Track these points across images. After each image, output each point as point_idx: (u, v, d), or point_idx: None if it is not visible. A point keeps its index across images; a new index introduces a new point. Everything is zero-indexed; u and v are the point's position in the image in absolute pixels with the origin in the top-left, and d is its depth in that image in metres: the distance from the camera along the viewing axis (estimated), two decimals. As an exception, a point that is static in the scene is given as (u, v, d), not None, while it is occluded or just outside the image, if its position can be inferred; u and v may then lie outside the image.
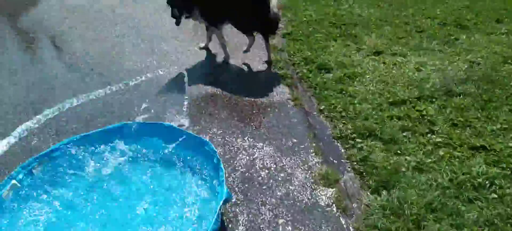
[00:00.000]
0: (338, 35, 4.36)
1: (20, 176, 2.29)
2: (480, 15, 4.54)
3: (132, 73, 3.79)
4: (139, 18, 5.08)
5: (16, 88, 3.61)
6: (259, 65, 3.94)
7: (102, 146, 2.59)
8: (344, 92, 3.42)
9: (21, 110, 3.23)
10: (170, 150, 2.57)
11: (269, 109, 3.27)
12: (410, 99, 3.25)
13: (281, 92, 3.49)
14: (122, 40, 4.51)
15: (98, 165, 2.53)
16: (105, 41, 4.53)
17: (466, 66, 3.65)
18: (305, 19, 4.77)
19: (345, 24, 4.56)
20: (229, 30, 4.09)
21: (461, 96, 3.24)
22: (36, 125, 3.05)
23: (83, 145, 2.56)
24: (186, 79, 3.70)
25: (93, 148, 2.58)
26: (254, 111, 3.23)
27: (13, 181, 2.26)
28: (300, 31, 4.48)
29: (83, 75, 3.82)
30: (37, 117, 3.13)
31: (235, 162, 2.62)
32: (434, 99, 3.22)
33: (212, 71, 3.86)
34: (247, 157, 2.67)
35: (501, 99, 3.18)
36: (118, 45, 4.39)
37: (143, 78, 3.70)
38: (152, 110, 3.20)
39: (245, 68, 3.92)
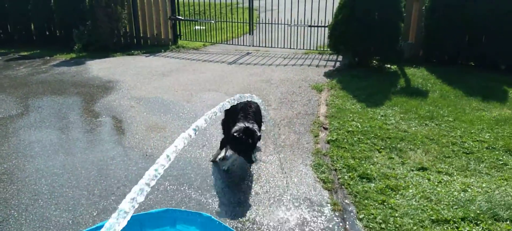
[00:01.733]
0: (382, 147, 4.43)
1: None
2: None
3: (180, 163, 4.07)
4: (196, 112, 5.56)
5: (74, 166, 4.01)
6: (301, 167, 4.06)
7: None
8: (385, 203, 3.39)
9: (75, 184, 3.54)
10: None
11: (306, 211, 3.30)
12: (454, 219, 3.14)
13: (320, 196, 3.54)
14: (179, 131, 4.92)
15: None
16: (163, 130, 4.97)
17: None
18: (351, 129, 4.92)
19: (390, 138, 4.64)
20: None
21: (508, 222, 3.08)
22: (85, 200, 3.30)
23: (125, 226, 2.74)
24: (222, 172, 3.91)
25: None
26: (290, 214, 3.29)
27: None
28: (345, 140, 4.62)
29: (136, 159, 4.17)
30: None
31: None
32: (479, 222, 3.09)
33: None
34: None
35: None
36: (175, 135, 4.79)
37: (189, 169, 3.95)
38: (193, 198, 3.36)
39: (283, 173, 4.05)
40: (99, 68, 8.34)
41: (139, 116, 5.46)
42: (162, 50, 10.20)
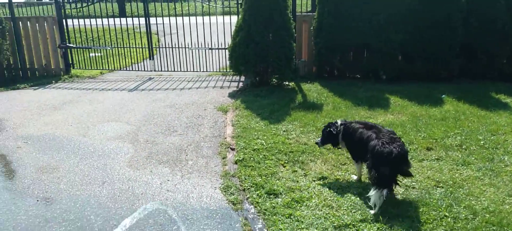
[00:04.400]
0: (286, 161, 4.63)
1: None
2: (413, 144, 5.05)
3: (78, 204, 3.75)
4: (94, 146, 5.19)
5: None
6: (210, 191, 4.04)
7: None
8: (292, 216, 3.54)
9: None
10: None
11: (218, 236, 3.29)
12: (354, 222, 3.40)
13: (230, 218, 3.55)
14: (76, 169, 4.54)
15: None
16: (56, 170, 4.53)
17: (402, 190, 3.94)
18: (256, 147, 5.06)
19: (293, 151, 4.89)
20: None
21: (400, 219, 3.44)
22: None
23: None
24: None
25: None
26: (203, 239, 3.24)
27: None
28: (251, 158, 4.73)
29: (26, 207, 3.74)
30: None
31: None
32: (375, 222, 3.40)
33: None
34: None
35: (436, 221, 3.40)
36: (70, 174, 4.40)
37: (88, 209, 3.66)
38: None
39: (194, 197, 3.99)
40: (-24, 107, 7.34)
41: (27, 157, 4.91)
42: (53, 82, 9.38)
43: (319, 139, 4.42)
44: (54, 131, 5.84)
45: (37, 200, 3.86)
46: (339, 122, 4.25)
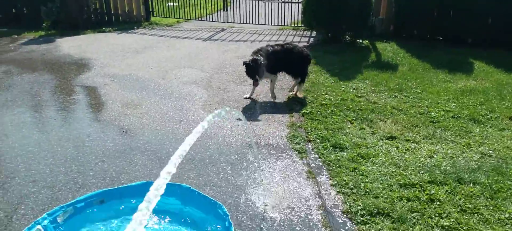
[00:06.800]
0: (354, 118, 4.60)
1: (45, 222, 2.48)
2: (494, 112, 4.72)
3: (158, 137, 4.11)
4: (172, 89, 5.56)
5: (49, 144, 3.99)
6: (277, 138, 4.18)
7: (121, 205, 2.79)
8: (356, 170, 3.56)
9: (52, 162, 3.54)
10: (183, 211, 2.75)
11: (283, 178, 3.43)
12: (421, 183, 3.35)
13: (295, 165, 3.68)
14: (156, 107, 4.93)
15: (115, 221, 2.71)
16: (139, 106, 4.96)
17: (477, 157, 3.76)
18: (324, 102, 5.07)
19: (361, 109, 4.83)
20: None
21: (471, 185, 3.31)
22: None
23: (106, 200, 2.79)
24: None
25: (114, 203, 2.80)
26: (266, 180, 3.41)
27: (38, 226, 2.44)
28: (319, 112, 4.76)
29: (113, 136, 4.18)
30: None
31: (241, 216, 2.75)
32: (444, 185, 3.31)
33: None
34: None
35: (511, 190, 3.23)
36: (151, 111, 4.81)
37: (167, 143, 4.00)
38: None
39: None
40: (69, 46, 8.13)
41: (114, 93, 5.41)
42: (135, 27, 10.01)
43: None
44: (137, 72, 6.33)
45: (123, 131, 4.30)
46: (253, 56, 5.03)
